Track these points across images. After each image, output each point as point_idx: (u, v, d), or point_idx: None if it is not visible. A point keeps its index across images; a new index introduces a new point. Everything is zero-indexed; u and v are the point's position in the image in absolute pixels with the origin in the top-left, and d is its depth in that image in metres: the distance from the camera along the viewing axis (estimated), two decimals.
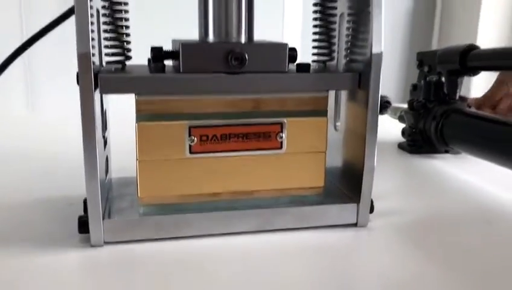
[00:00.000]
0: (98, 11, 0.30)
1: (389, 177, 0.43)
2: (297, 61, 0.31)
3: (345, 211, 0.32)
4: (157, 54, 0.30)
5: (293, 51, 0.30)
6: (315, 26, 0.33)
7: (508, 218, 0.35)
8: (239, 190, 0.31)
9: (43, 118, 0.79)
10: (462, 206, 0.38)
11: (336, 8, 0.33)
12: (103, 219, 0.29)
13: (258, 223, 0.31)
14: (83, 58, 0.26)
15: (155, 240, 0.30)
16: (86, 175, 0.28)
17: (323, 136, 0.32)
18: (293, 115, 0.31)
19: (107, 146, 0.32)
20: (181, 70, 0.28)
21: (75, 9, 0.26)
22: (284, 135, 0.31)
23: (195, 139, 0.29)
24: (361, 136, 0.31)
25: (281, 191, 0.32)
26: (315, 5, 0.33)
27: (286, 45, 0.30)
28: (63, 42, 0.52)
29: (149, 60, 0.31)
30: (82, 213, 0.30)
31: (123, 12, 0.30)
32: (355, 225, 0.32)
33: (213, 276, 0.27)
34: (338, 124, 0.35)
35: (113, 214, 0.30)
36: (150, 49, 0.30)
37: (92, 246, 0.29)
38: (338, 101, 0.35)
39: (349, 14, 0.32)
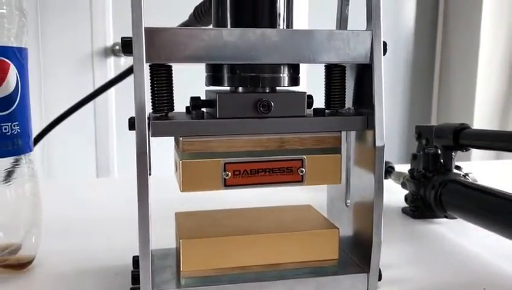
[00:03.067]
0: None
1: (395, 243, 0.48)
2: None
3: (356, 280, 0.37)
4: (197, 103, 0.36)
5: (310, 98, 0.36)
6: (328, 83, 0.38)
7: (498, 282, 0.40)
8: (267, 263, 0.37)
9: (60, 183, 0.83)
10: (461, 271, 0.42)
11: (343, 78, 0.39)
12: None
13: None
14: (139, 106, 0.32)
15: None
16: (140, 251, 0.33)
17: (337, 171, 0.37)
18: (311, 152, 0.36)
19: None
20: (217, 116, 0.34)
21: (134, 70, 0.32)
22: (304, 170, 0.36)
23: (230, 173, 0.35)
24: (369, 208, 0.36)
25: (302, 263, 0.38)
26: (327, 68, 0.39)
27: (304, 93, 0.36)
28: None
29: (187, 108, 0.37)
30: (130, 285, 0.35)
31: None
32: None
33: None
34: (348, 201, 0.41)
35: (158, 285, 0.35)
36: (189, 98, 0.36)
37: None
38: (348, 178, 0.40)
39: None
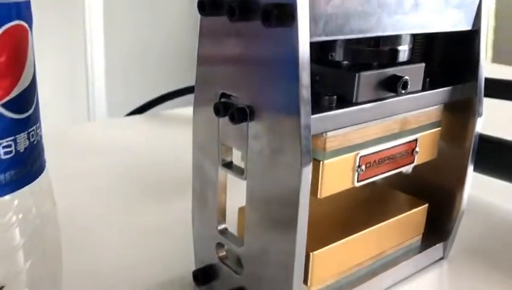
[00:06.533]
0: None
1: None
2: None
3: (438, 248, 0.37)
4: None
5: None
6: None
7: None
8: (374, 255, 0.33)
9: None
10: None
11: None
12: None
13: (391, 279, 0.34)
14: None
15: None
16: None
17: (436, 145, 0.34)
18: (422, 130, 0.32)
19: None
20: (355, 101, 0.28)
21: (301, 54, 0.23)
22: (418, 150, 0.32)
23: (364, 167, 0.29)
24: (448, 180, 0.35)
25: (397, 246, 0.35)
26: None
27: (424, 65, 0.31)
28: None
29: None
30: None
31: None
32: (441, 258, 0.37)
33: None
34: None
35: None
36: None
37: None
38: None
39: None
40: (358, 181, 0.29)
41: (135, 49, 1.99)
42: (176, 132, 0.64)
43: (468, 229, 0.40)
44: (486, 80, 0.36)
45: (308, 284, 0.29)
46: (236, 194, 0.31)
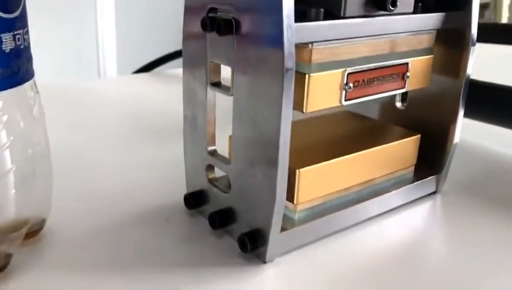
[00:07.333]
0: None
1: None
2: None
3: (431, 182, 0.37)
4: None
5: None
6: None
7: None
8: (363, 181, 0.33)
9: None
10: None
11: None
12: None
13: (380, 207, 0.34)
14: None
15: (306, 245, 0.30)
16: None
17: (429, 73, 0.34)
18: (413, 54, 0.32)
19: None
20: (342, 15, 0.27)
21: None
22: (409, 74, 0.32)
23: (351, 85, 0.29)
24: (439, 111, 0.35)
25: (389, 175, 0.35)
26: None
27: None
28: None
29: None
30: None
31: None
32: (434, 192, 0.38)
33: None
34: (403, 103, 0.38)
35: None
36: None
37: (266, 262, 0.28)
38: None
39: None
40: (346, 100, 0.29)
41: (144, 9, 1.99)
42: (179, 89, 0.64)
43: (461, 169, 0.40)
44: (489, 24, 0.35)
45: (295, 202, 0.30)
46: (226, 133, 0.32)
